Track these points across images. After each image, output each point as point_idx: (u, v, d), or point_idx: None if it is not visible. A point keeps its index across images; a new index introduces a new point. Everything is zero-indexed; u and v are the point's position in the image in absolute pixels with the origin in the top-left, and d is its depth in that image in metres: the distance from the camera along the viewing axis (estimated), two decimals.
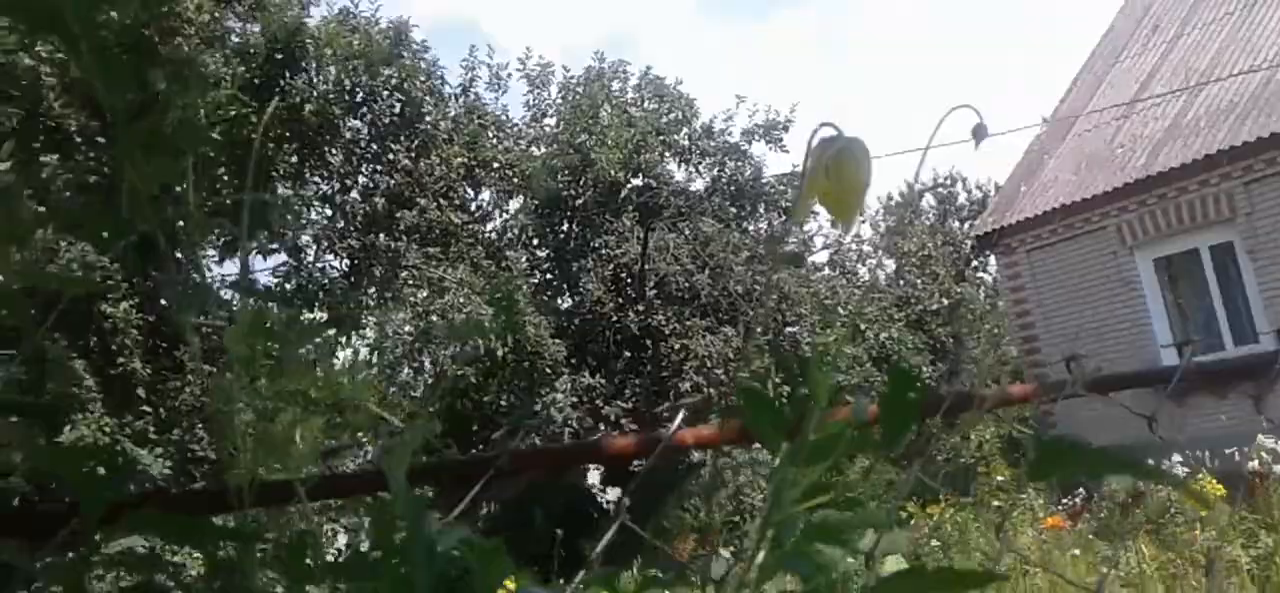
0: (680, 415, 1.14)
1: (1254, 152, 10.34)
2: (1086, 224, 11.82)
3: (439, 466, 1.06)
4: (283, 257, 14.22)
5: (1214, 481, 5.30)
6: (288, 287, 13.95)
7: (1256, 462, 5.28)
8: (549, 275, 17.51)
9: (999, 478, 7.62)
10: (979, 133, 1.07)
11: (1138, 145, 11.83)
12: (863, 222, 26.97)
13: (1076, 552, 5.31)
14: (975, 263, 24.68)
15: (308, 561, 0.85)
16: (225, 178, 13.01)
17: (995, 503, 6.09)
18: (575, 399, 14.65)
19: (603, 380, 15.30)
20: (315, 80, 13.82)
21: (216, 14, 12.29)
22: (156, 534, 0.90)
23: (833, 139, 1.00)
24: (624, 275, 17.08)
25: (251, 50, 12.95)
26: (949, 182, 30.36)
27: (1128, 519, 5.37)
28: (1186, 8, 13.70)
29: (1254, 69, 11.22)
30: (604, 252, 17.14)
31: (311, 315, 13.58)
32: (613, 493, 14.45)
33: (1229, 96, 11.25)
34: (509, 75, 17.47)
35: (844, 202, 0.99)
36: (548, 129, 17.84)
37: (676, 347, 15.67)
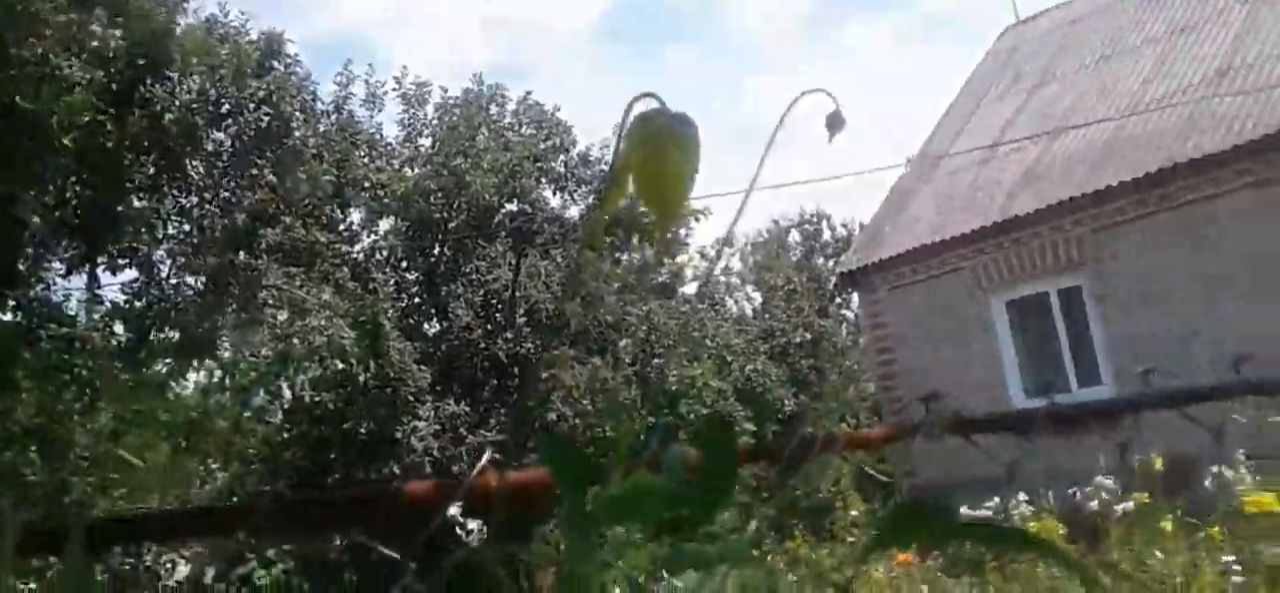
0: (485, 455, 1.01)
1: (1104, 199, 10.81)
2: (944, 265, 12.16)
3: (182, 513, 0.94)
4: (134, 273, 13.62)
5: (1055, 519, 5.49)
6: (138, 304, 13.36)
7: (1096, 503, 5.47)
8: (417, 299, 17.23)
9: (853, 512, 7.77)
10: (834, 123, 0.96)
11: (996, 189, 12.25)
12: (732, 254, 27.33)
13: (924, 588, 5.42)
14: (839, 299, 25.25)
15: None
16: (77, 187, 12.44)
17: (849, 539, 6.20)
18: (438, 427, 14.41)
19: (468, 408, 15.10)
20: (178, 89, 13.31)
21: (76, 16, 11.75)
22: None
23: (654, 113, 0.80)
24: (494, 302, 16.92)
25: (112, 55, 12.40)
26: (815, 219, 31.04)
27: (976, 555, 5.52)
28: (1048, 57, 14.31)
29: (1108, 119, 11.75)
30: (475, 277, 16.96)
31: (163, 335, 13.04)
32: (474, 524, 14.22)
33: (1084, 145, 11.74)
34: (385, 93, 17.21)
35: (664, 192, 0.80)
36: (423, 149, 17.59)
37: (544, 375, 15.57)
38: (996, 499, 5.95)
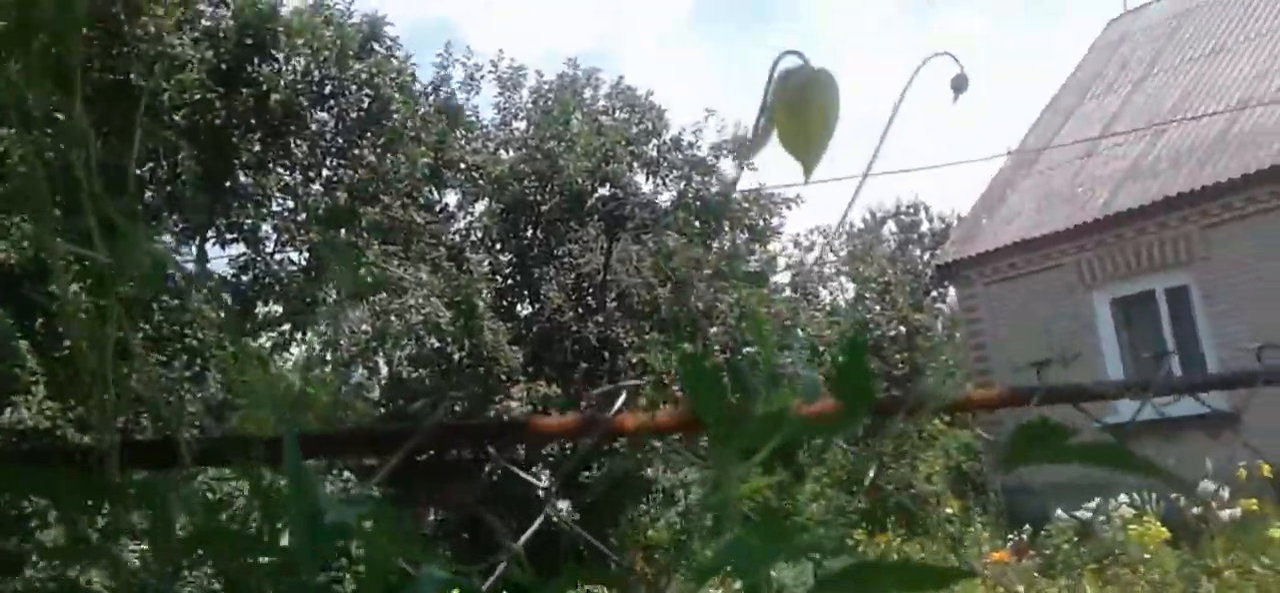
0: (620, 398, 1.07)
1: (1212, 196, 10.48)
2: (1045, 260, 11.92)
3: (346, 434, 1.00)
4: (241, 247, 14.02)
5: (1158, 524, 5.35)
6: (244, 279, 13.76)
7: (1199, 508, 5.34)
8: (510, 281, 17.43)
9: (948, 510, 7.64)
10: (959, 84, 1.00)
11: (1099, 184, 11.96)
12: (827, 242, 27.06)
13: (1020, 588, 5.34)
14: (934, 293, 24.86)
15: (179, 530, 0.78)
16: (187, 162, 12.84)
17: (942, 534, 6.10)
18: (530, 407, 14.58)
19: (558, 390, 15.24)
20: (284, 69, 13.65)
21: None
22: (11, 490, 0.84)
23: (797, 69, 0.88)
24: (585, 285, 17.04)
25: (221, 34, 12.76)
26: (912, 210, 30.59)
27: (1073, 557, 5.42)
28: (1154, 51, 13.90)
29: (1216, 113, 11.38)
30: (567, 260, 17.10)
31: (268, 309, 13.41)
32: (563, 506, 14.41)
33: (1190, 141, 11.40)
34: (481, 77, 17.41)
35: (806, 139, 0.87)
36: (517, 133, 17.79)
37: (634, 360, 15.64)
38: (1098, 501, 5.85)
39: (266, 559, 0.73)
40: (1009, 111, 44.28)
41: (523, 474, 0.94)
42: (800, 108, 0.85)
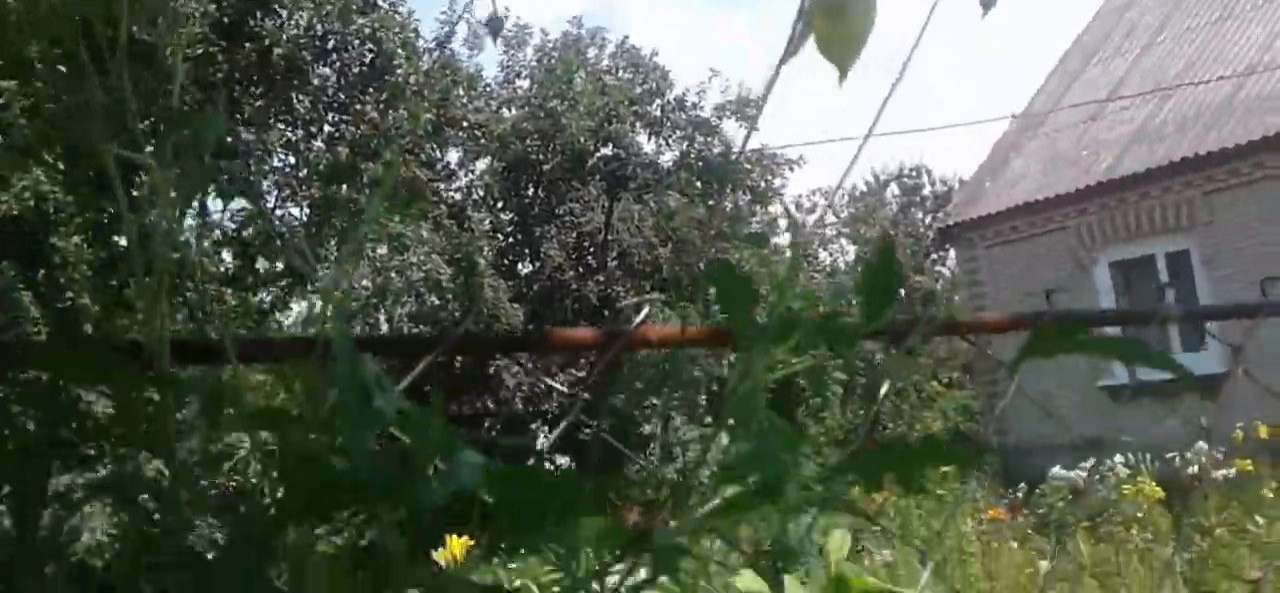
0: (644, 311, 1.09)
1: (1218, 161, 10.46)
2: (1048, 223, 11.91)
3: (379, 338, 1.03)
4: (241, 203, 14.00)
5: (1152, 484, 5.37)
6: (246, 233, 13.76)
7: (1195, 467, 5.36)
8: (511, 239, 17.44)
9: (944, 469, 7.66)
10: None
11: (1104, 148, 11.92)
12: (827, 206, 27.03)
13: (1014, 543, 5.37)
14: (935, 256, 24.86)
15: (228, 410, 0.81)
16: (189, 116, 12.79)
17: (939, 492, 6.14)
18: (530, 365, 14.62)
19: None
20: (287, 23, 13.59)
21: None
22: (63, 376, 0.86)
23: None
24: (587, 244, 17.05)
25: None
26: (914, 172, 30.51)
27: (1068, 515, 5.45)
28: (1161, 16, 13.81)
29: (1223, 78, 11.33)
30: (568, 219, 17.09)
31: (269, 265, 13.42)
32: (563, 461, 14.47)
33: (1197, 106, 11.36)
34: (486, 33, 17.35)
35: (842, 44, 0.86)
36: (520, 91, 17.74)
37: (635, 320, 15.68)
38: (1092, 461, 5.88)
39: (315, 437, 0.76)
40: (1014, 75, 44.08)
41: (548, 382, 0.97)
42: (839, 9, 0.84)
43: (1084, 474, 5.66)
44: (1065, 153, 12.45)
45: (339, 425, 0.73)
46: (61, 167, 9.36)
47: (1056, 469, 6.35)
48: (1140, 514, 5.08)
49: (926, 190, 30.53)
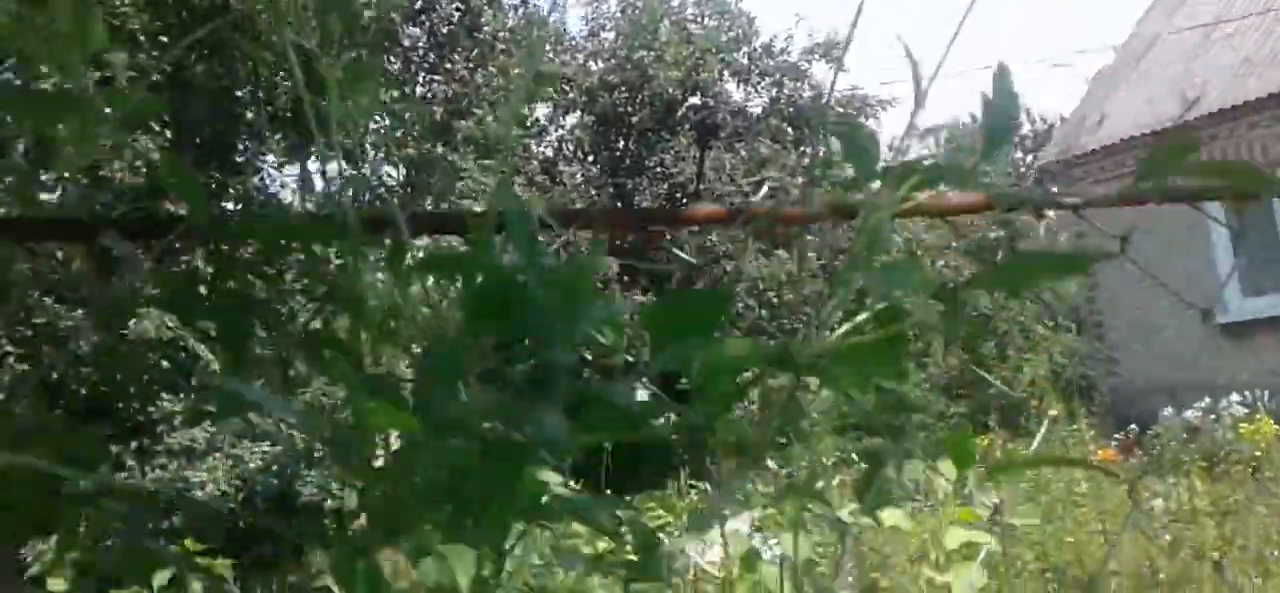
0: (763, 189, 1.13)
1: None
2: None
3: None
4: (338, 165, 14.28)
5: (1271, 421, 5.21)
6: (345, 195, 14.06)
7: None
8: (603, 193, 17.51)
9: (1052, 412, 7.53)
10: None
11: (1213, 76, 11.47)
12: (923, 145, 26.55)
13: (1125, 486, 5.27)
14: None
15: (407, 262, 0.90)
16: (286, 81, 13.09)
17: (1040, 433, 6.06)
18: (626, 316, 14.73)
19: (654, 300, 15.34)
20: None
21: None
22: (261, 240, 1.00)
23: None
24: (679, 195, 17.02)
25: None
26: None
27: (1182, 455, 5.32)
28: None
29: None
30: (659, 170, 17.08)
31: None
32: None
33: None
34: None
35: None
36: (606, 44, 17.71)
37: (729, 268, 15.65)
38: (1207, 400, 5.71)
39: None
40: (1115, 5, 42.55)
41: (680, 254, 1.01)
42: None
43: (1199, 414, 5.51)
44: (1169, 84, 12.01)
45: (517, 262, 0.84)
46: (169, 135, 9.66)
47: (1168, 410, 6.19)
48: (1258, 453, 4.93)
49: (1026, 129, 29.72)
